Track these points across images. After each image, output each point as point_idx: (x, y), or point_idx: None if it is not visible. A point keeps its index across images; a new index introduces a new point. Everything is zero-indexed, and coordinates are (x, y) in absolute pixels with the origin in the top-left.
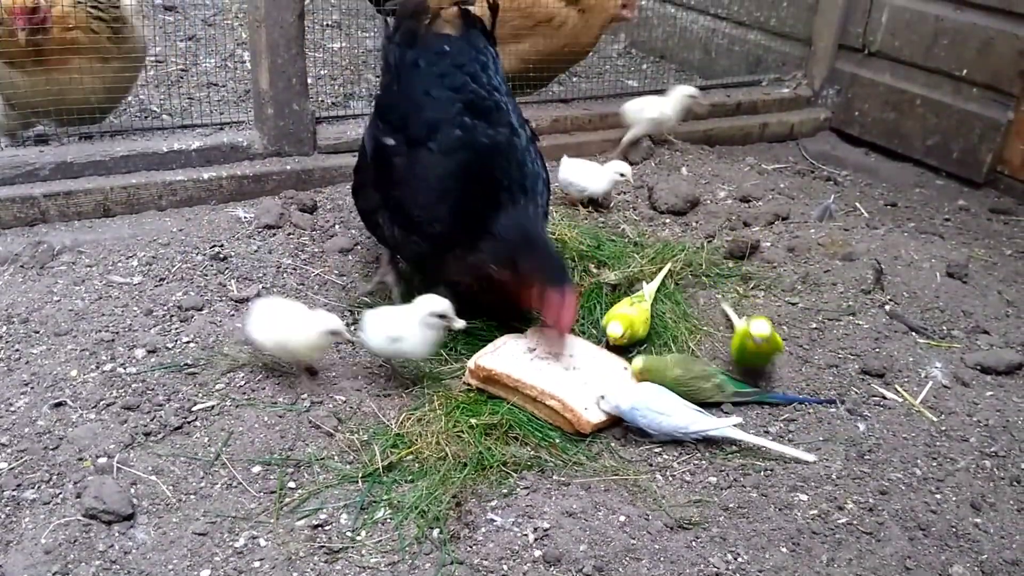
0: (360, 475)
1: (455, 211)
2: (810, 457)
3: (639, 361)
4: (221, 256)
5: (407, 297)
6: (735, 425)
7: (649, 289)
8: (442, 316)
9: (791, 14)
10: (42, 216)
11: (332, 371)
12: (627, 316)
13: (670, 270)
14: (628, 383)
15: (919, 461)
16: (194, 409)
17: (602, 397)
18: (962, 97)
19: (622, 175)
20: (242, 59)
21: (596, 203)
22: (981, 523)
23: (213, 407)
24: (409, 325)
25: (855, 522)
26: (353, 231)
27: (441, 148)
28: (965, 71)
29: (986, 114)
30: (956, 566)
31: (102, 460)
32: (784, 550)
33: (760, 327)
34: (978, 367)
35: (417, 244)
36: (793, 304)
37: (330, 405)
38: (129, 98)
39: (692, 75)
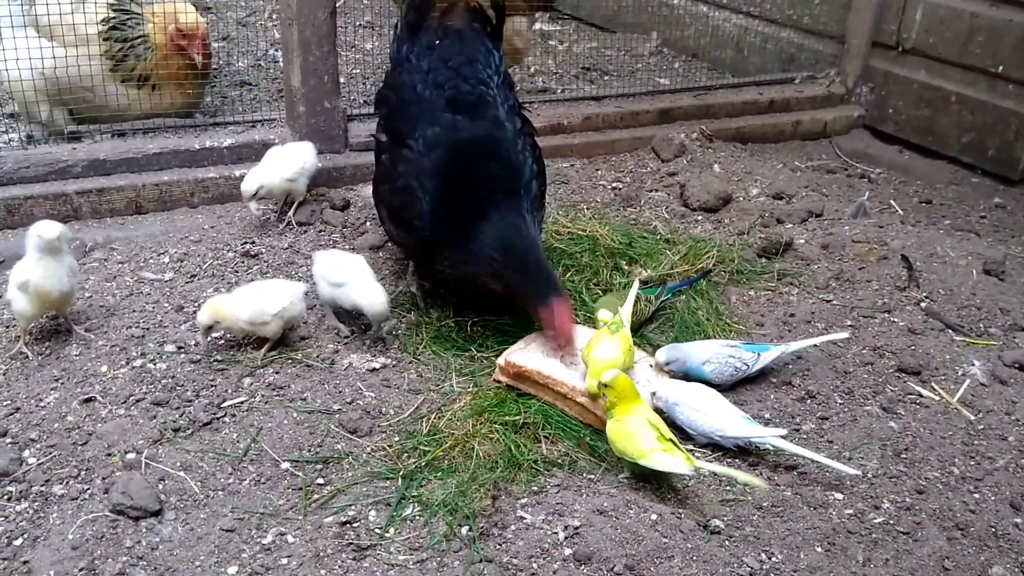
0: (389, 472)
1: (435, 211)
2: (853, 471)
3: (605, 314)
4: (252, 253)
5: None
6: (781, 436)
7: (625, 312)
8: None
9: (824, 12)
10: (75, 213)
11: (361, 369)
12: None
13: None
14: (659, 379)
15: (957, 460)
16: (223, 405)
17: (653, 393)
18: (998, 94)
19: None
20: (275, 59)
21: None
22: (1021, 523)
23: (242, 403)
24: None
25: (892, 522)
26: None
27: (420, 146)
28: (1001, 68)
29: (1023, 111)
30: (996, 567)
31: (131, 456)
32: (819, 550)
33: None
34: (1016, 365)
35: (408, 239)
36: (828, 301)
37: (360, 402)
38: None
39: (724, 73)
